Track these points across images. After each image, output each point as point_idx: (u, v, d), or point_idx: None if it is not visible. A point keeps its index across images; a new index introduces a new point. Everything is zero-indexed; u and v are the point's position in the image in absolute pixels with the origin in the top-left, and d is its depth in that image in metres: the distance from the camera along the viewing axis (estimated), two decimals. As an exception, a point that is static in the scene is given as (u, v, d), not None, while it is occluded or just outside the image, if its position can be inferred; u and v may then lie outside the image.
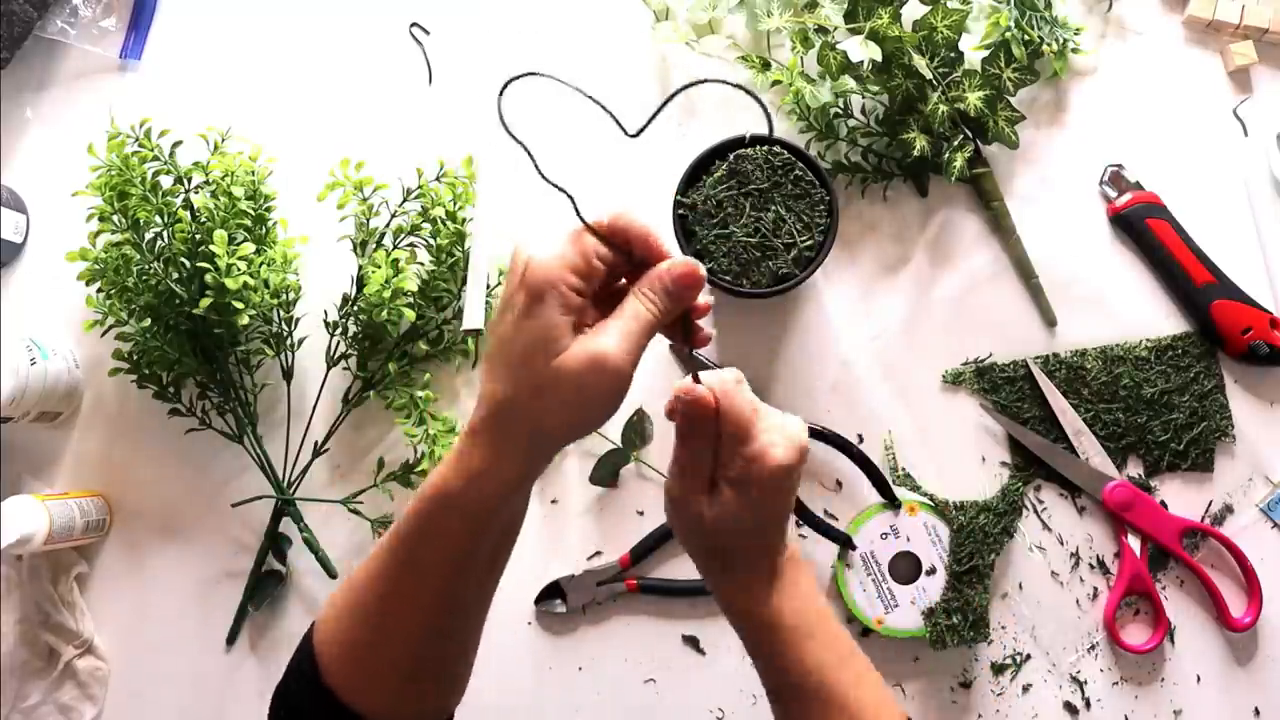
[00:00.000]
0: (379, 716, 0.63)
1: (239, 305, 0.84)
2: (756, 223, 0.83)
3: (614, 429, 0.90)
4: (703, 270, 0.59)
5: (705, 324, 0.62)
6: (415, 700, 0.65)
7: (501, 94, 0.58)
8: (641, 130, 0.61)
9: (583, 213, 0.60)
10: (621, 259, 0.60)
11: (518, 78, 0.59)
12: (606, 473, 0.90)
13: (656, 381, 0.91)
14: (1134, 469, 0.89)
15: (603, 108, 0.59)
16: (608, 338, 0.56)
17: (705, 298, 0.61)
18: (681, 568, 0.89)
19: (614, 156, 0.94)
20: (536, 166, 0.61)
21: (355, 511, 0.89)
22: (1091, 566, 0.88)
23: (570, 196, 0.60)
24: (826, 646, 0.65)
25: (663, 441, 0.90)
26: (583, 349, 0.55)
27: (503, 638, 0.89)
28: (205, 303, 0.83)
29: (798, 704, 0.66)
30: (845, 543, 0.87)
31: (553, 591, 0.89)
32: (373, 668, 0.63)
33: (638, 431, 0.90)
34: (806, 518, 0.86)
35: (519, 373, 0.56)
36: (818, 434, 0.87)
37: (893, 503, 0.87)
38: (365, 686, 0.63)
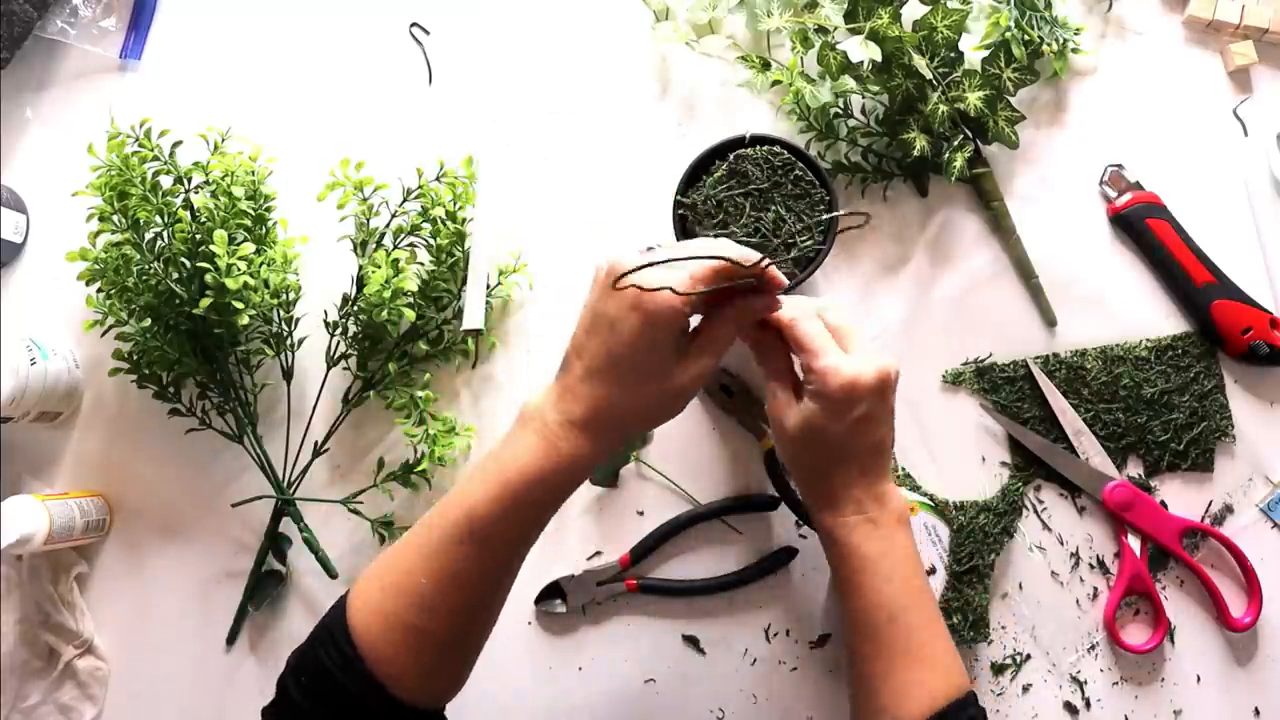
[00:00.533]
0: (403, 690, 0.66)
1: (239, 305, 0.84)
2: (756, 223, 0.83)
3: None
4: (778, 300, 0.70)
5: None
6: (438, 681, 0.69)
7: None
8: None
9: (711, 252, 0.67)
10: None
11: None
12: (607, 473, 0.90)
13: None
14: (1134, 469, 0.89)
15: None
16: (709, 357, 0.68)
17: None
18: (682, 568, 0.89)
19: (615, 156, 0.94)
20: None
21: (355, 511, 0.89)
22: (1091, 566, 0.88)
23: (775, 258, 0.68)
24: (902, 591, 0.70)
25: (662, 443, 0.90)
26: (695, 371, 0.68)
27: (503, 638, 0.89)
28: (205, 303, 0.83)
29: (863, 636, 0.71)
30: None
31: (553, 591, 0.89)
32: (415, 647, 0.66)
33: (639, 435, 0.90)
34: (792, 503, 0.86)
35: (634, 389, 0.67)
36: None
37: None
38: (401, 660, 0.66)
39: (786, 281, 0.69)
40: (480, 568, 0.67)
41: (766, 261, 0.66)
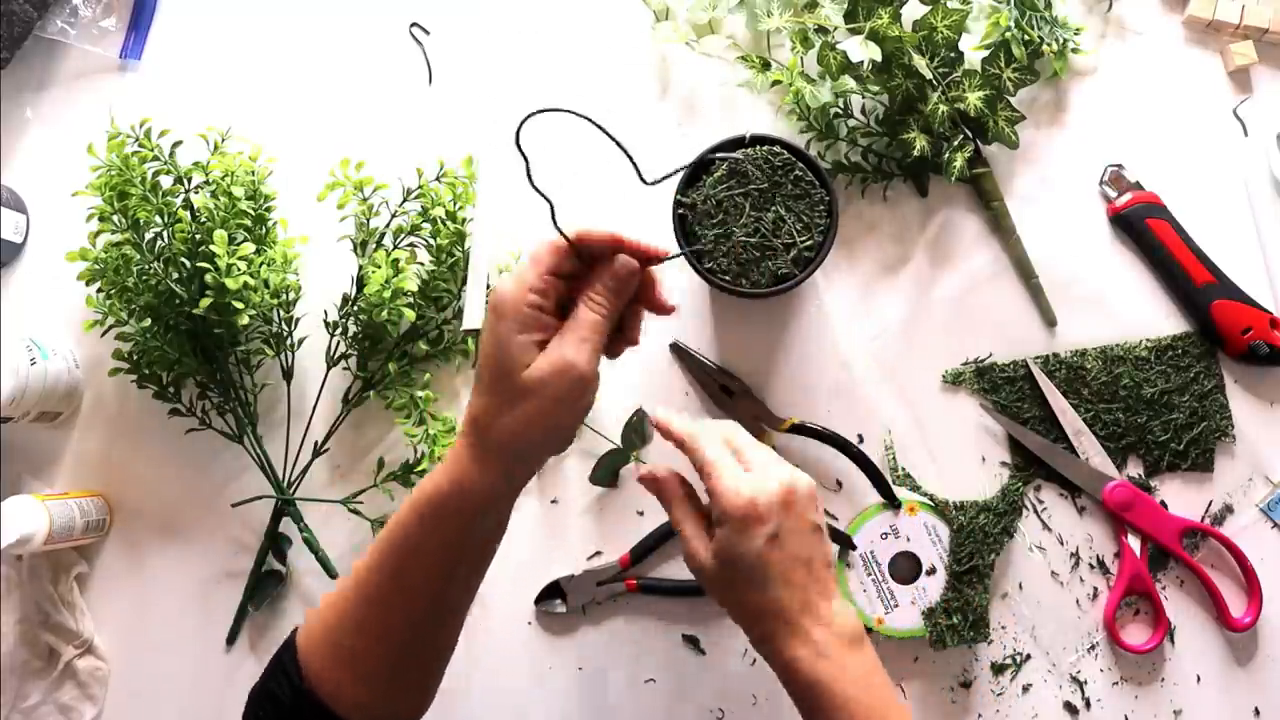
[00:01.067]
0: (352, 713, 0.66)
1: (239, 305, 0.84)
2: (756, 223, 0.83)
3: (614, 429, 0.90)
4: (634, 264, 0.66)
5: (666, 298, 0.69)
6: (391, 704, 0.68)
7: (521, 126, 0.64)
8: (658, 181, 0.66)
9: (560, 222, 0.65)
10: (585, 267, 0.66)
11: (540, 112, 0.64)
12: (606, 473, 0.90)
13: (654, 379, 0.91)
14: (1134, 469, 0.89)
15: (624, 151, 0.65)
16: (566, 347, 0.63)
17: (666, 298, 0.68)
18: (681, 568, 0.89)
19: (615, 157, 0.94)
20: (529, 174, 0.65)
21: (355, 511, 0.89)
22: (1091, 566, 0.88)
23: (551, 204, 0.65)
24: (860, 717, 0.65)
25: (662, 441, 0.90)
26: (546, 361, 0.62)
27: (503, 637, 0.89)
28: (205, 303, 0.83)
29: None
30: (845, 543, 0.87)
31: (553, 591, 0.89)
32: (355, 670, 0.66)
33: (637, 431, 0.90)
34: None
35: (491, 389, 0.63)
36: (816, 434, 0.87)
37: (892, 502, 0.87)
38: (346, 688, 0.66)
39: (655, 249, 0.66)
40: (399, 587, 0.66)
41: (598, 234, 0.64)
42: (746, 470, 0.66)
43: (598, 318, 0.64)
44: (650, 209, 0.89)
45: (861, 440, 0.90)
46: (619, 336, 0.69)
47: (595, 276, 0.66)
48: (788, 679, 0.66)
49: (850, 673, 0.64)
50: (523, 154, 0.64)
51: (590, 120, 0.64)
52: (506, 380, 0.63)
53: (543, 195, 0.64)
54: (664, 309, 0.69)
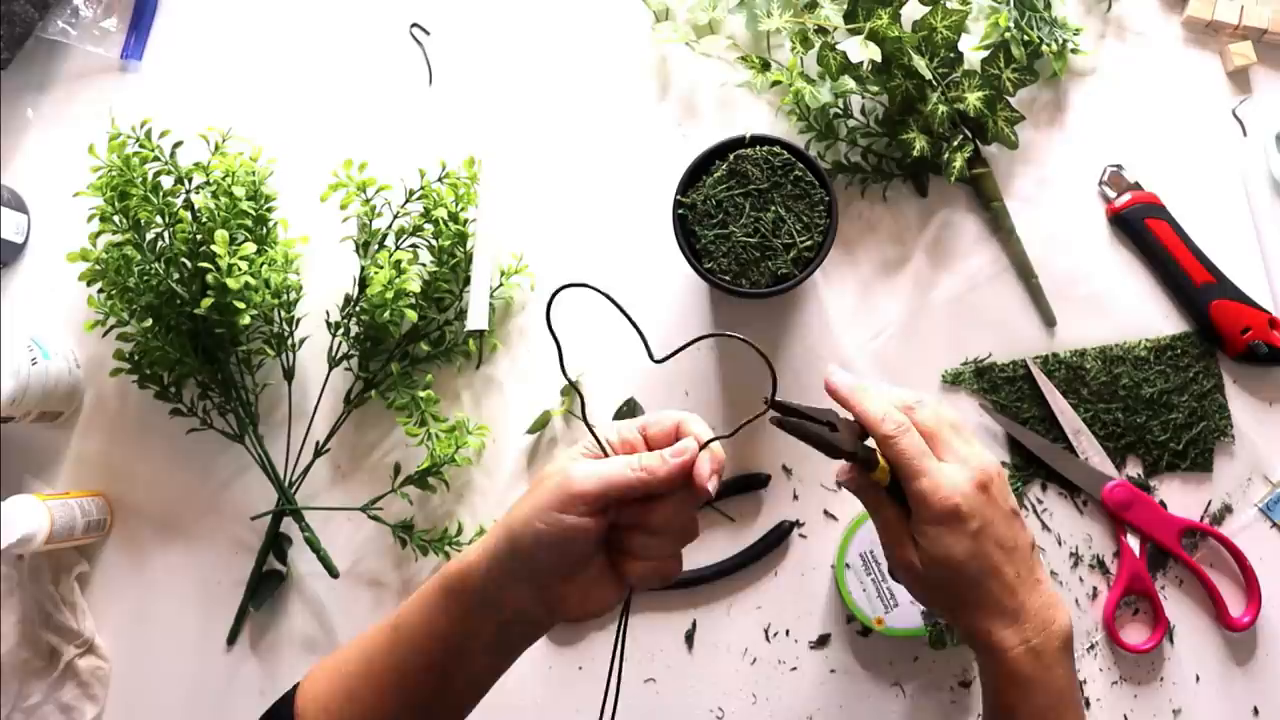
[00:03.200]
0: None
1: (240, 305, 0.84)
2: (756, 223, 0.83)
3: (606, 419, 0.90)
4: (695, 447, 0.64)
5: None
6: None
7: (551, 300, 0.64)
8: (667, 358, 0.65)
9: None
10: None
11: (569, 286, 0.64)
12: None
13: (653, 378, 0.91)
14: (1133, 469, 0.89)
15: (636, 329, 0.64)
16: (579, 464, 0.63)
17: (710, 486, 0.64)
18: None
19: (615, 157, 0.94)
20: (561, 363, 0.66)
21: (375, 518, 0.89)
22: (1091, 566, 0.89)
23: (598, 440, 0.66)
24: None
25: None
26: (554, 464, 0.65)
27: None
28: (206, 303, 0.84)
29: None
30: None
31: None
32: None
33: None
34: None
35: (534, 574, 0.64)
36: (793, 411, 0.69)
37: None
38: None
39: (710, 490, 0.63)
40: (396, 659, 0.66)
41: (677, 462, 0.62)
42: (940, 458, 0.66)
43: (625, 467, 0.63)
44: (650, 209, 0.89)
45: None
46: (652, 526, 0.66)
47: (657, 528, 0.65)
48: (996, 671, 0.66)
49: (1056, 680, 0.65)
50: (555, 339, 0.64)
51: (605, 295, 0.63)
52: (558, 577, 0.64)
53: (592, 431, 0.65)
54: (705, 494, 0.66)
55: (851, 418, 0.69)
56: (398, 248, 0.89)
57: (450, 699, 0.67)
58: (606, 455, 0.65)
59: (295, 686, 0.69)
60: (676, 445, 0.63)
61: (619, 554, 0.65)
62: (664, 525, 0.64)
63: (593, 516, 0.62)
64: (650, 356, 0.64)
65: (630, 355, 0.91)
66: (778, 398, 0.64)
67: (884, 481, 0.68)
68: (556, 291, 0.63)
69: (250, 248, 0.84)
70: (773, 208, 0.83)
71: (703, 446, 0.64)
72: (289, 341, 0.90)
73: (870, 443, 0.69)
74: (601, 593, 0.65)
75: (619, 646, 0.68)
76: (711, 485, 0.63)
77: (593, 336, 0.90)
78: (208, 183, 0.87)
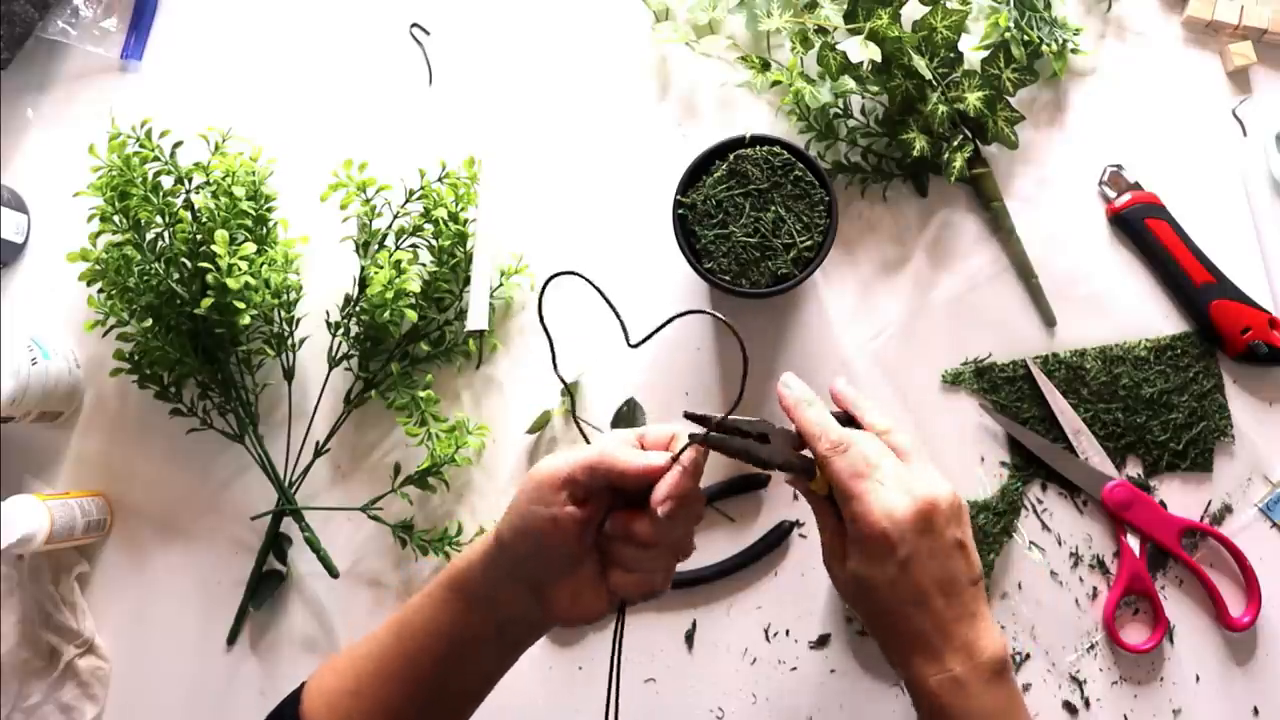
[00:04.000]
0: None
1: (240, 305, 0.84)
2: (756, 223, 0.83)
3: (604, 420, 0.90)
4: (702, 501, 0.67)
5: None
6: None
7: (543, 291, 0.66)
8: (642, 342, 0.67)
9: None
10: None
11: (557, 275, 0.67)
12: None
13: (653, 377, 0.91)
14: (1133, 469, 0.89)
15: (615, 313, 0.66)
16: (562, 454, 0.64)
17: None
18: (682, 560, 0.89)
19: (615, 157, 0.94)
20: (554, 361, 0.68)
21: (375, 518, 0.89)
22: (1091, 566, 0.89)
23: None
24: None
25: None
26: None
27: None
28: (206, 303, 0.84)
29: None
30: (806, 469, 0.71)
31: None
32: None
33: (628, 422, 0.90)
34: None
35: (533, 580, 0.65)
36: (723, 428, 0.68)
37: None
38: None
39: (668, 489, 0.62)
40: (401, 655, 0.66)
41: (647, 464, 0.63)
42: (885, 481, 0.64)
43: (609, 450, 0.64)
44: (650, 209, 0.89)
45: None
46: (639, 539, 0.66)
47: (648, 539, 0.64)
48: (919, 703, 0.65)
49: (986, 705, 0.63)
50: (546, 331, 0.66)
51: (586, 279, 0.67)
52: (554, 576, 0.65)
53: (581, 429, 0.69)
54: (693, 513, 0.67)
55: (792, 428, 0.69)
56: (398, 248, 0.89)
57: (455, 695, 0.68)
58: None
59: (302, 685, 0.69)
60: (655, 433, 0.65)
61: (609, 565, 0.65)
62: (653, 538, 0.63)
63: (568, 505, 0.62)
64: (627, 341, 0.64)
65: (630, 355, 0.91)
66: (692, 412, 0.67)
67: (821, 492, 0.68)
68: (547, 281, 0.65)
69: (250, 248, 0.84)
70: (773, 208, 0.83)
71: (698, 442, 0.64)
72: (289, 341, 0.90)
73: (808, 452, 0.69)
74: (591, 600, 0.65)
75: (615, 659, 0.68)
76: (662, 510, 0.62)
77: (593, 337, 0.90)
78: (208, 183, 0.87)
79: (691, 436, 0.65)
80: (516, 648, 0.68)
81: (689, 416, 0.66)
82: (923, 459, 0.68)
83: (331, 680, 0.68)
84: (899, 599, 0.64)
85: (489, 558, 0.65)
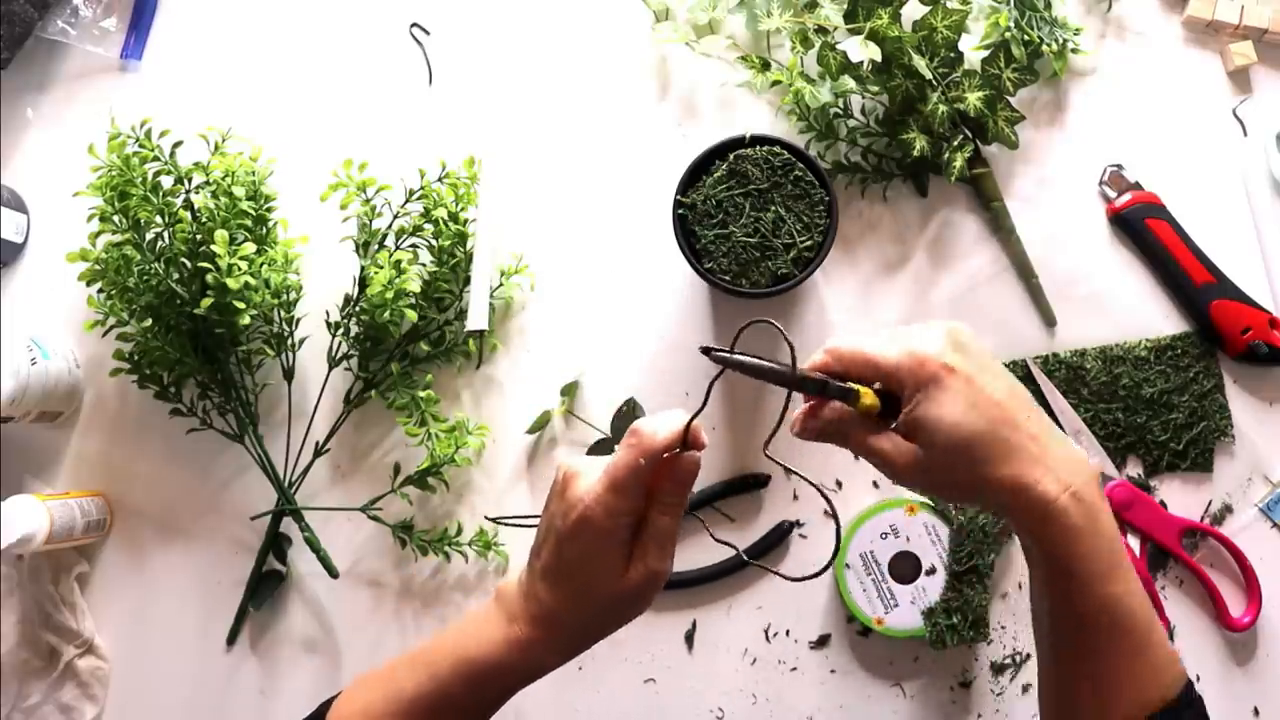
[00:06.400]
0: None
1: (240, 305, 0.84)
2: (756, 223, 0.83)
3: (604, 419, 0.90)
4: (698, 459, 0.63)
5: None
6: None
7: (735, 340, 0.62)
8: (695, 415, 0.63)
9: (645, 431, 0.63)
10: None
11: (752, 324, 0.63)
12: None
13: (653, 377, 0.91)
14: (1133, 469, 0.89)
15: (791, 352, 0.62)
16: (652, 559, 0.62)
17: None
18: (682, 560, 0.89)
19: (615, 157, 0.94)
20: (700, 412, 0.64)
21: (375, 518, 0.89)
22: (1091, 566, 0.88)
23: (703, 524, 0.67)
24: (1123, 575, 0.60)
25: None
26: (637, 575, 0.62)
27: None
28: (206, 303, 0.84)
29: (1093, 635, 0.61)
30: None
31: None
32: None
33: (628, 422, 0.90)
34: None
35: (584, 595, 0.63)
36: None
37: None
38: None
39: (704, 442, 0.63)
40: (456, 695, 0.65)
41: (676, 426, 0.61)
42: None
43: (672, 521, 0.63)
44: (650, 209, 0.89)
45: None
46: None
47: (665, 479, 0.62)
48: (1047, 528, 0.59)
49: (1108, 525, 0.60)
50: (789, 342, 0.61)
51: (778, 327, 0.62)
52: (594, 588, 0.62)
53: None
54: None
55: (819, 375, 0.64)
56: (398, 248, 0.89)
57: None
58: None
59: (331, 698, 0.68)
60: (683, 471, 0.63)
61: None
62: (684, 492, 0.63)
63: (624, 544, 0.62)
64: (792, 374, 0.61)
65: (631, 355, 0.91)
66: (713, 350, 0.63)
67: (876, 406, 0.62)
68: (741, 330, 0.62)
69: (250, 248, 0.84)
70: (773, 208, 0.83)
71: (689, 424, 0.63)
72: (289, 341, 0.90)
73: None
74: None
75: None
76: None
77: (593, 336, 0.90)
78: (207, 183, 0.87)
79: (715, 358, 0.62)
80: None
81: (707, 351, 0.63)
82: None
83: (371, 698, 0.67)
84: (986, 422, 0.59)
85: (544, 671, 0.66)
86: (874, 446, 0.62)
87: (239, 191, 0.86)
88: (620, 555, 0.62)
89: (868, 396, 0.62)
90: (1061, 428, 0.88)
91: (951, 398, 0.59)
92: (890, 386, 0.62)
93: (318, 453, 0.90)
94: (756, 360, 0.62)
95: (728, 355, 0.61)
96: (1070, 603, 0.60)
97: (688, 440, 0.62)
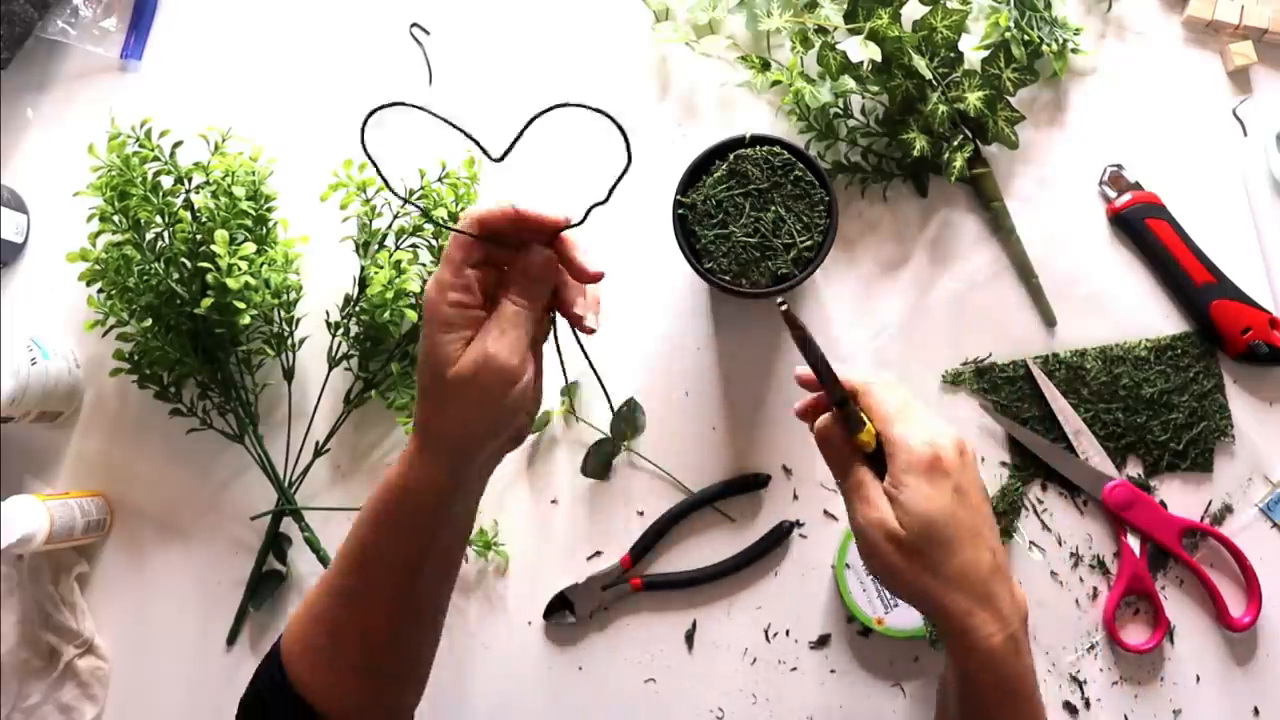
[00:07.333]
0: (339, 714, 0.67)
1: (240, 305, 0.84)
2: (756, 223, 0.83)
3: (604, 420, 0.90)
4: (546, 252, 0.64)
5: (592, 317, 0.66)
6: (371, 697, 0.69)
7: (365, 122, 0.61)
8: (504, 155, 0.64)
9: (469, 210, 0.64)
10: (497, 252, 0.64)
11: (382, 108, 0.62)
12: (596, 464, 0.89)
13: (653, 377, 0.91)
14: (1133, 469, 0.89)
15: (467, 135, 0.63)
16: (487, 340, 0.62)
17: (589, 264, 0.65)
18: (682, 559, 0.89)
19: (615, 157, 0.94)
20: (382, 177, 0.64)
21: None
22: (1091, 566, 0.88)
23: (377, 168, 0.63)
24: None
25: (656, 429, 0.90)
26: (468, 357, 0.61)
27: (503, 638, 0.89)
28: (206, 303, 0.84)
29: None
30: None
31: (560, 603, 0.89)
32: (330, 667, 0.67)
33: (628, 421, 0.90)
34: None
35: (427, 390, 0.63)
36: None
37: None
38: (324, 685, 0.67)
39: (554, 219, 0.64)
40: (365, 588, 0.66)
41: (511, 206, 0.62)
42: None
43: (516, 308, 0.63)
44: (650, 209, 0.89)
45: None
46: (570, 317, 0.66)
47: (515, 265, 0.63)
48: (976, 660, 0.61)
49: (1029, 666, 0.62)
50: (371, 160, 0.62)
51: (428, 111, 0.62)
52: (438, 380, 0.62)
53: (373, 163, 0.62)
54: (590, 277, 0.65)
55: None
56: (398, 248, 0.89)
57: (424, 592, 0.68)
58: (468, 234, 0.63)
59: (278, 640, 0.70)
60: (528, 263, 0.64)
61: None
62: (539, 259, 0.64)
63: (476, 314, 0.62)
64: (487, 155, 0.63)
65: (631, 355, 0.91)
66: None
67: (869, 446, 0.64)
68: (371, 113, 0.61)
69: (250, 248, 0.84)
70: (773, 208, 0.83)
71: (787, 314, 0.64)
72: (289, 341, 0.90)
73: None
74: (539, 387, 0.66)
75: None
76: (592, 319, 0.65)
77: (594, 336, 0.90)
78: (207, 183, 0.87)
79: (785, 314, 0.64)
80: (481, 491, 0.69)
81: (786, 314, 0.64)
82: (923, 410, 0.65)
83: (301, 626, 0.68)
84: (959, 529, 0.60)
85: (438, 484, 0.64)
86: (858, 472, 0.64)
87: (239, 191, 0.86)
88: (457, 338, 0.62)
89: (869, 435, 0.64)
90: (1062, 428, 0.89)
91: (936, 491, 0.61)
92: (887, 448, 0.63)
93: (318, 453, 0.90)
94: (815, 342, 0.64)
95: (803, 328, 0.64)
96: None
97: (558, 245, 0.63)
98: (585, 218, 0.65)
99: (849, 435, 0.64)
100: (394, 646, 0.68)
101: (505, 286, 0.63)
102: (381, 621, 0.67)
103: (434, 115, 0.62)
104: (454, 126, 0.62)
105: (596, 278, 0.65)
